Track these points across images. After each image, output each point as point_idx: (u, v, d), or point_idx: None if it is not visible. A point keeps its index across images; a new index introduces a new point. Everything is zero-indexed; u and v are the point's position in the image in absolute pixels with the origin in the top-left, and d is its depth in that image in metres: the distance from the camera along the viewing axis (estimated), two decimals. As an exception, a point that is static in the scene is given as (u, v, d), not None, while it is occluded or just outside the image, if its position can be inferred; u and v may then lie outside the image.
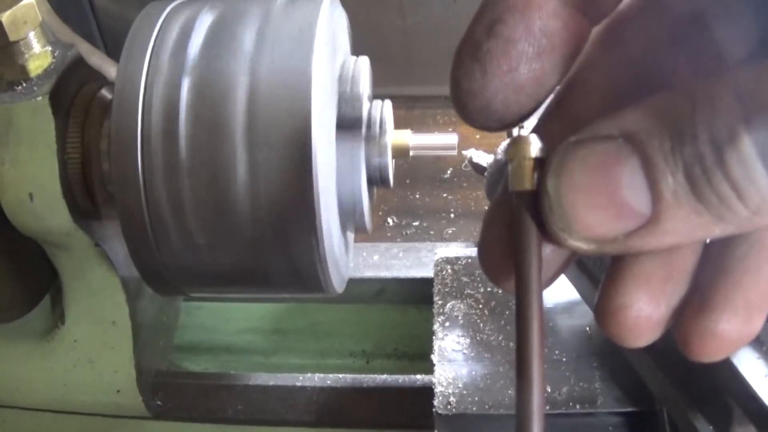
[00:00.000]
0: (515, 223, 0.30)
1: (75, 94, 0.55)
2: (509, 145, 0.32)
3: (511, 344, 0.55)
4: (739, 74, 0.22)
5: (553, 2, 0.26)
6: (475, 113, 0.28)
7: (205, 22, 0.49)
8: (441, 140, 0.55)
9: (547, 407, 0.51)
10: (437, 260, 0.62)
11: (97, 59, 0.60)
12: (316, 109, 0.45)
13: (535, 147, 0.31)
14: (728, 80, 0.22)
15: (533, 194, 0.29)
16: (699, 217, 0.23)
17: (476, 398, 0.52)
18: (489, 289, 0.59)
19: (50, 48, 0.54)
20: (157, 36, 0.48)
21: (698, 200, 0.22)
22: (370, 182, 0.52)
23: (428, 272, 0.66)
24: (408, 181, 1.21)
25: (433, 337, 0.56)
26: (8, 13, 0.50)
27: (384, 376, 0.66)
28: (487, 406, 0.51)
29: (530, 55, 0.26)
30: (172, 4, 0.51)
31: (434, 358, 0.54)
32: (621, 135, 0.23)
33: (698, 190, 0.22)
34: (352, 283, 0.58)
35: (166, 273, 0.50)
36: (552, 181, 0.24)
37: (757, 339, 0.40)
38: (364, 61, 0.54)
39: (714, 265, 0.27)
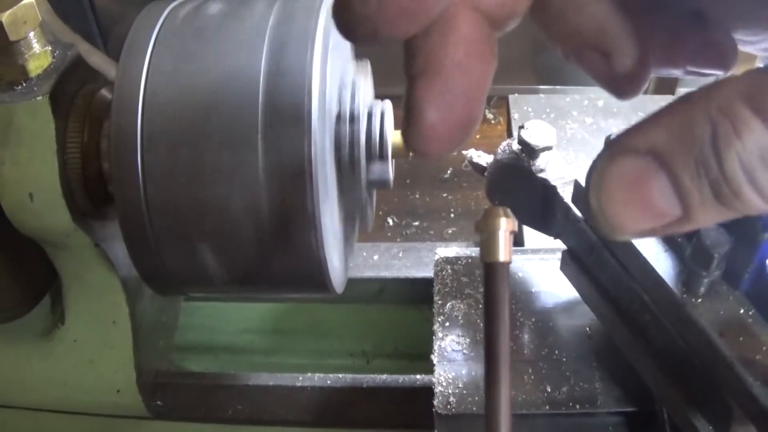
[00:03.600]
0: (488, 291, 0.37)
1: (75, 94, 0.55)
2: (482, 217, 0.38)
3: (512, 344, 0.55)
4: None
5: None
6: (361, 37, 0.27)
7: (205, 21, 0.49)
8: (441, 140, 0.54)
9: (547, 407, 0.51)
10: (437, 260, 0.62)
11: (97, 59, 0.60)
12: (316, 109, 0.45)
13: (506, 221, 0.37)
14: (743, 93, 0.25)
15: (506, 264, 0.36)
16: (722, 213, 0.26)
17: (476, 398, 0.52)
18: (489, 289, 0.59)
19: (50, 48, 0.54)
20: (157, 36, 0.48)
21: (722, 204, 0.26)
22: (370, 183, 0.52)
23: (428, 272, 0.66)
24: (408, 181, 1.21)
25: (433, 337, 0.56)
26: (8, 13, 0.50)
27: (384, 376, 0.66)
28: (487, 406, 0.51)
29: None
30: (172, 4, 0.51)
31: (434, 358, 0.54)
32: (649, 152, 0.26)
33: (723, 200, 0.25)
34: (352, 283, 0.58)
35: (165, 273, 0.50)
36: (594, 197, 0.28)
37: (757, 338, 0.40)
38: (365, 63, 0.54)
39: None
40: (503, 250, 0.37)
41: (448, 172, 1.22)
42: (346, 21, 0.26)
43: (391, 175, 0.53)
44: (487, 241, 0.37)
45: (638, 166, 0.27)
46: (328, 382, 0.66)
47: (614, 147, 0.27)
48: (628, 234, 0.28)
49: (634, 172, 0.27)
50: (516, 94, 0.87)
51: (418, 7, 0.26)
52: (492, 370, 0.36)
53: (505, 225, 0.37)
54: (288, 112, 0.45)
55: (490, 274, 0.37)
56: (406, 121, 0.28)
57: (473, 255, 0.62)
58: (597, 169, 0.28)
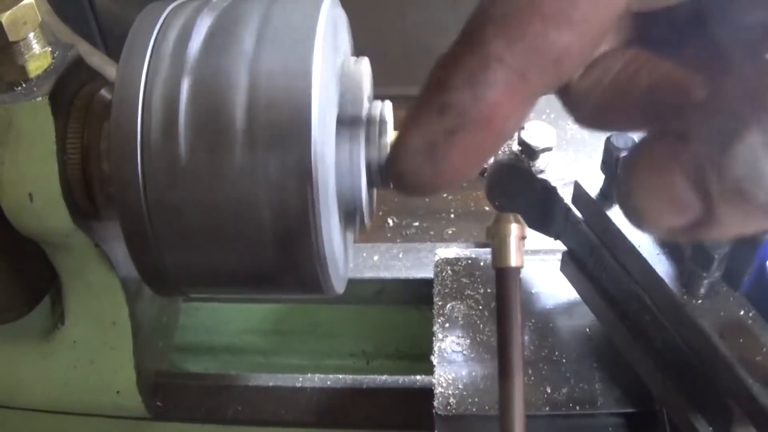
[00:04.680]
0: (500, 294, 0.37)
1: (75, 95, 0.55)
2: (493, 222, 0.38)
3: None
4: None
5: (516, 105, 0.26)
6: (415, 194, 0.29)
7: (205, 22, 0.49)
8: (441, 141, 0.54)
9: (547, 408, 0.51)
10: (437, 261, 0.62)
11: (97, 59, 0.60)
12: (316, 109, 0.45)
13: (516, 227, 0.37)
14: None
15: (517, 269, 0.37)
16: (747, 214, 0.25)
17: (476, 399, 0.52)
18: (489, 290, 0.59)
19: (50, 48, 0.54)
20: (157, 36, 0.48)
21: (745, 201, 0.24)
22: (370, 182, 0.52)
23: (428, 273, 0.66)
24: (408, 182, 1.21)
25: (433, 338, 0.56)
26: (8, 13, 0.50)
27: (384, 377, 0.66)
28: (487, 407, 0.51)
29: (486, 157, 0.27)
30: (173, 4, 0.51)
31: (434, 359, 0.54)
32: (679, 137, 0.25)
33: (745, 196, 0.24)
34: (352, 283, 0.57)
35: (166, 274, 0.50)
36: (623, 182, 0.27)
37: (757, 339, 0.40)
38: (364, 62, 0.54)
39: None
40: (514, 255, 0.38)
41: (449, 172, 1.22)
42: (397, 187, 0.28)
43: (391, 175, 0.53)
44: (498, 246, 0.37)
45: (667, 150, 0.25)
46: (328, 382, 0.66)
47: (642, 140, 0.26)
48: (655, 227, 0.27)
49: (662, 157, 0.25)
50: (516, 95, 0.87)
51: (470, 167, 0.27)
52: (506, 371, 0.36)
53: (516, 231, 0.37)
54: (289, 113, 0.45)
55: (502, 279, 0.37)
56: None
57: (473, 256, 0.62)
58: (629, 157, 0.27)
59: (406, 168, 0.27)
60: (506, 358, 0.37)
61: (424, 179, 0.27)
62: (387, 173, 0.28)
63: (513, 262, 0.38)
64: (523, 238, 0.38)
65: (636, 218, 0.27)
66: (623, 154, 0.46)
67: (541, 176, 0.54)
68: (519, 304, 0.38)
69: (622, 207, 0.28)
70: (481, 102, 0.25)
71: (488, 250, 0.63)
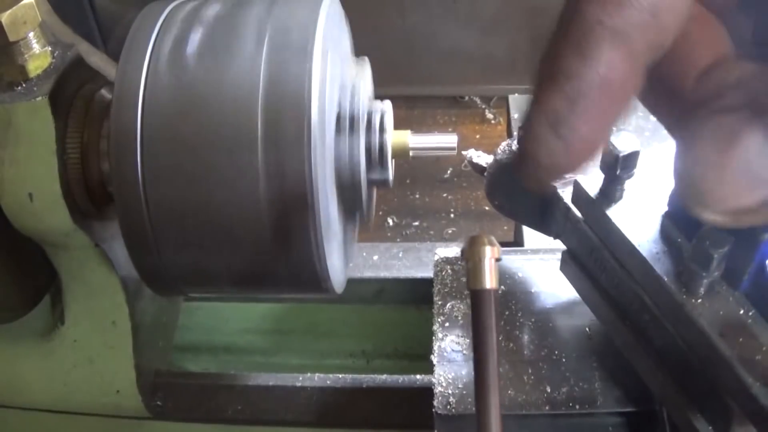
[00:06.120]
0: (475, 317, 0.37)
1: (75, 95, 0.55)
2: (467, 245, 0.38)
3: (512, 345, 0.55)
4: None
5: (628, 67, 0.25)
6: (548, 183, 0.28)
7: (205, 22, 0.49)
8: (441, 140, 0.55)
9: (547, 407, 0.51)
10: (437, 260, 0.62)
11: (97, 59, 0.60)
12: (316, 109, 0.45)
13: (491, 248, 0.37)
14: None
15: (492, 291, 0.37)
16: None
17: (476, 398, 0.52)
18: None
19: (50, 48, 0.54)
20: (157, 36, 0.48)
21: None
22: (370, 183, 0.52)
23: (428, 272, 0.66)
24: (408, 181, 1.21)
25: (433, 338, 0.56)
26: (8, 13, 0.50)
27: (384, 377, 0.66)
28: (486, 407, 0.51)
29: (610, 123, 0.26)
30: (172, 4, 0.51)
31: (434, 358, 0.54)
32: (746, 103, 0.23)
33: None
34: (352, 283, 0.58)
35: (165, 273, 0.50)
36: (681, 158, 0.25)
37: (756, 339, 0.40)
38: (365, 61, 0.54)
39: None
40: (488, 278, 0.38)
41: (448, 172, 1.22)
42: (535, 178, 0.27)
43: (391, 175, 0.53)
44: (473, 268, 0.38)
45: (734, 120, 0.24)
46: (328, 382, 0.66)
47: (705, 107, 0.25)
48: (726, 210, 0.24)
49: (729, 128, 0.23)
50: (516, 94, 0.87)
51: (599, 135, 0.26)
52: (482, 394, 0.36)
53: (490, 253, 0.38)
54: (288, 112, 0.45)
55: (477, 301, 0.38)
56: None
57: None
58: (686, 129, 0.25)
59: (538, 150, 0.26)
60: (482, 383, 0.37)
61: (557, 157, 0.26)
62: (519, 164, 0.27)
63: (487, 284, 0.38)
64: (498, 259, 0.39)
65: (701, 202, 0.25)
66: (623, 153, 0.45)
67: (541, 176, 0.54)
68: (494, 326, 0.37)
69: (680, 195, 0.25)
70: (593, 64, 0.25)
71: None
